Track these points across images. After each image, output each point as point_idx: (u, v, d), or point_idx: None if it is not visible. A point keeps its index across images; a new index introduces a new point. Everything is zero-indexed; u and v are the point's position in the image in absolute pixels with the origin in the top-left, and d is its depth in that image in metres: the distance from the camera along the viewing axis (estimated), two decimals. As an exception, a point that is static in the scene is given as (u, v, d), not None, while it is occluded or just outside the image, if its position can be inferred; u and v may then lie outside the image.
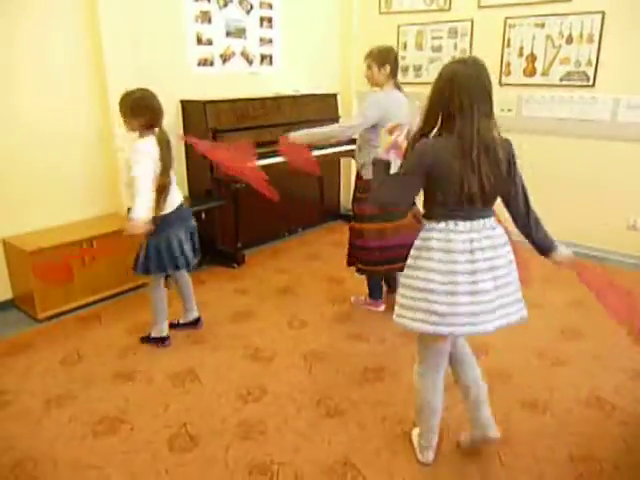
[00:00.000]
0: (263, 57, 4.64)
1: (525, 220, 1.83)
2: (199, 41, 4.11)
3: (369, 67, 3.01)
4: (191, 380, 2.60)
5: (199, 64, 4.15)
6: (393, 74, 3.02)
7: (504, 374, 2.62)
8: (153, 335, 2.92)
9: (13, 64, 3.11)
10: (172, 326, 3.03)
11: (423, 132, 1.76)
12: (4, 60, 3.07)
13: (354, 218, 3.14)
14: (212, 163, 3.98)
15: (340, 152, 4.69)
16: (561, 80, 4.17)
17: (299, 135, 3.02)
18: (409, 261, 1.84)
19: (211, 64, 4.23)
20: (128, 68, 3.56)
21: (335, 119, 4.91)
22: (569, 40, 4.07)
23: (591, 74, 4.01)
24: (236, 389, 2.52)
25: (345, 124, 3.15)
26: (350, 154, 4.82)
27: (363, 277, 3.30)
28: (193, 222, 2.85)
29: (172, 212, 2.66)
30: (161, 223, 2.60)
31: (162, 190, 2.55)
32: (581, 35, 4.01)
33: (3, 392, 2.50)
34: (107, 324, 3.16)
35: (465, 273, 1.71)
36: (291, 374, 2.65)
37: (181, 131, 4.13)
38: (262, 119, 4.26)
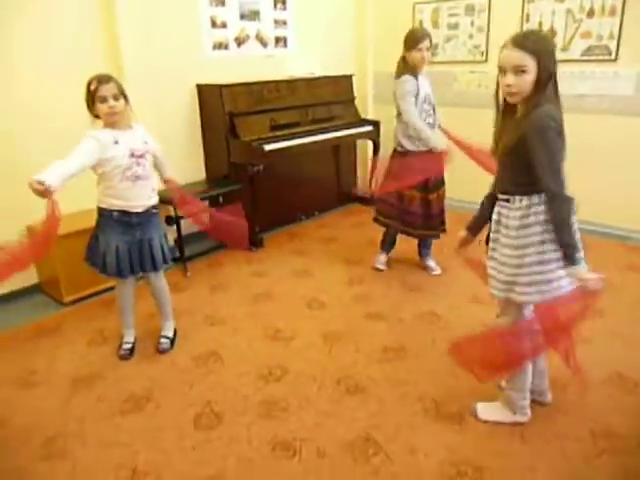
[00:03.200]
0: (277, 39, 4.61)
1: None
2: (214, 24, 4.10)
3: (428, 49, 3.13)
4: (214, 361, 2.65)
5: (214, 48, 4.15)
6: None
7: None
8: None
9: (22, 48, 3.15)
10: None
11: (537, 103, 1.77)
12: (12, 45, 3.09)
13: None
14: (229, 147, 4.01)
15: (356, 134, 4.67)
16: (582, 55, 4.08)
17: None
18: (514, 242, 1.86)
19: (226, 47, 4.23)
20: (143, 53, 3.57)
21: (351, 100, 4.89)
22: (590, 14, 3.97)
23: (613, 48, 3.91)
24: (257, 369, 2.56)
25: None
26: (366, 135, 4.81)
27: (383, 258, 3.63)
28: (145, 232, 2.51)
29: (117, 211, 2.43)
30: (100, 218, 2.48)
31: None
32: (603, 8, 3.91)
33: (33, 372, 2.58)
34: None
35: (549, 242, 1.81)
36: (311, 353, 2.69)
37: (198, 120, 4.15)
38: (277, 102, 4.26)
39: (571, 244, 1.75)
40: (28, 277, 3.38)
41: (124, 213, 2.44)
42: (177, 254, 3.76)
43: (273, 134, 4.09)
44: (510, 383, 2.11)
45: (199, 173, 4.28)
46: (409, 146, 3.22)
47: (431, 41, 3.13)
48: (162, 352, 2.73)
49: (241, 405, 2.31)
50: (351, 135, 4.63)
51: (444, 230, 3.43)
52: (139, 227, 2.49)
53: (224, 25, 4.17)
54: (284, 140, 4.05)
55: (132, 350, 2.73)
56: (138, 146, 2.40)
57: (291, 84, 4.42)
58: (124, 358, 2.68)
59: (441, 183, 3.36)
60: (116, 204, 2.42)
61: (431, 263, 3.60)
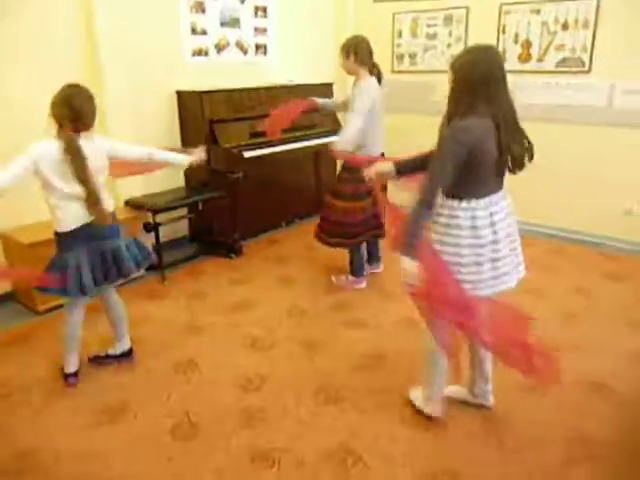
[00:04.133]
0: (258, 47, 4.62)
1: None
2: (194, 31, 4.09)
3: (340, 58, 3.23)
4: (192, 370, 2.62)
5: (194, 54, 4.13)
6: (360, 62, 3.14)
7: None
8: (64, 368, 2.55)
9: (5, 52, 3.10)
10: (97, 359, 2.68)
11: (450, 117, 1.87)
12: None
13: (337, 197, 3.32)
14: (209, 154, 3.98)
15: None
16: (556, 66, 4.17)
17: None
18: (435, 238, 1.95)
19: (206, 54, 4.21)
20: (123, 58, 3.55)
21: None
22: (565, 26, 4.06)
23: (587, 60, 4.01)
24: (236, 378, 2.54)
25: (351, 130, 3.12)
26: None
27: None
28: (106, 243, 2.40)
29: (74, 230, 2.31)
30: (59, 240, 2.35)
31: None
32: (576, 21, 4.00)
33: (3, 383, 2.52)
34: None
35: (488, 244, 1.89)
36: (290, 362, 2.67)
37: (178, 126, 4.12)
38: (257, 109, 4.25)
39: (405, 239, 1.85)
40: (2, 286, 3.30)
41: (89, 226, 2.32)
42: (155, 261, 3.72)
43: (253, 141, 4.08)
44: (424, 376, 2.21)
45: (178, 180, 4.24)
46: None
47: (339, 53, 3.22)
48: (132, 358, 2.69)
49: (219, 415, 2.28)
50: (332, 143, 4.64)
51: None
52: (106, 235, 2.40)
53: (204, 32, 4.16)
54: (264, 147, 4.04)
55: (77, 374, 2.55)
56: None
57: (271, 91, 4.42)
58: (72, 385, 2.50)
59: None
60: (83, 220, 2.30)
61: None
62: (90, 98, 2.28)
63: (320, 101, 3.53)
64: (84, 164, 2.21)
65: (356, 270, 3.53)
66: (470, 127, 1.79)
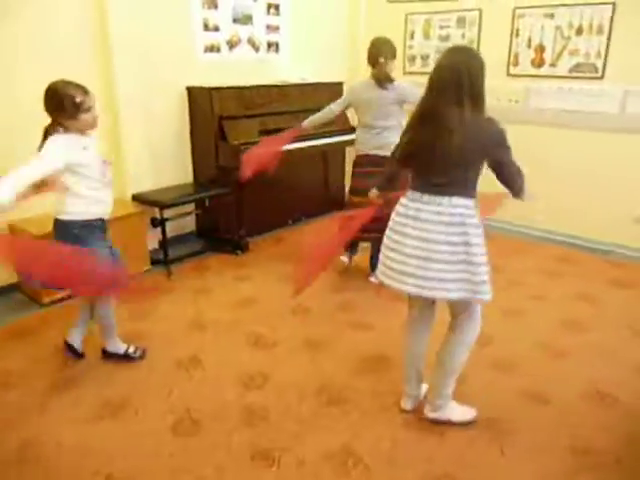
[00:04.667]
0: (270, 44, 4.61)
1: None
2: (206, 27, 4.09)
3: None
4: (194, 366, 2.62)
5: (206, 50, 4.13)
6: (371, 65, 3.29)
7: (507, 365, 2.63)
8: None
9: (17, 51, 3.10)
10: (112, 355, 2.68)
11: None
12: (5, 45, 3.05)
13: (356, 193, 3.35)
14: (218, 151, 3.98)
15: (345, 141, 4.67)
16: (570, 71, 4.13)
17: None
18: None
19: (218, 50, 4.21)
20: (135, 55, 3.55)
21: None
22: (579, 31, 4.03)
23: (600, 66, 3.97)
24: (239, 376, 2.54)
25: None
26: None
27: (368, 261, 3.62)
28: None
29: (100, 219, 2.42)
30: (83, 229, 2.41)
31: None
32: (591, 26, 3.97)
33: (8, 374, 2.53)
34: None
35: (397, 233, 2.00)
36: (293, 361, 2.67)
37: (188, 122, 4.13)
38: (268, 107, 4.25)
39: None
40: (7, 276, 3.32)
41: (103, 221, 2.42)
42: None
43: (262, 138, 4.07)
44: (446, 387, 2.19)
45: (187, 176, 4.25)
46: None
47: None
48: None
49: (221, 412, 2.28)
50: (341, 142, 4.63)
51: None
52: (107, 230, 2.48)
53: (216, 28, 4.16)
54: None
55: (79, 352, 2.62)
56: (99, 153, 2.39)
57: (282, 89, 4.42)
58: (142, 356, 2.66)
59: None
60: (100, 213, 2.39)
61: None
62: None
63: (305, 123, 3.48)
64: None
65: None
66: None
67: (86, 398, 2.36)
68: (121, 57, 3.49)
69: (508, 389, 2.43)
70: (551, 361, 2.69)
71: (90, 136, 2.33)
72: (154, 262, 3.77)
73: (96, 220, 2.37)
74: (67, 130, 2.23)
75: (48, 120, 2.24)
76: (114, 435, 2.14)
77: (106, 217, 2.43)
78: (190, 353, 2.72)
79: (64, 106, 2.19)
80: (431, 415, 2.21)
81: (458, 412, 2.20)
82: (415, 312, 2.22)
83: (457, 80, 1.82)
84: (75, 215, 2.31)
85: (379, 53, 3.22)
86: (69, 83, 2.23)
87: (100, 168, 2.33)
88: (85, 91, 2.24)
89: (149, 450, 2.06)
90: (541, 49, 4.24)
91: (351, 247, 3.69)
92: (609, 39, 3.89)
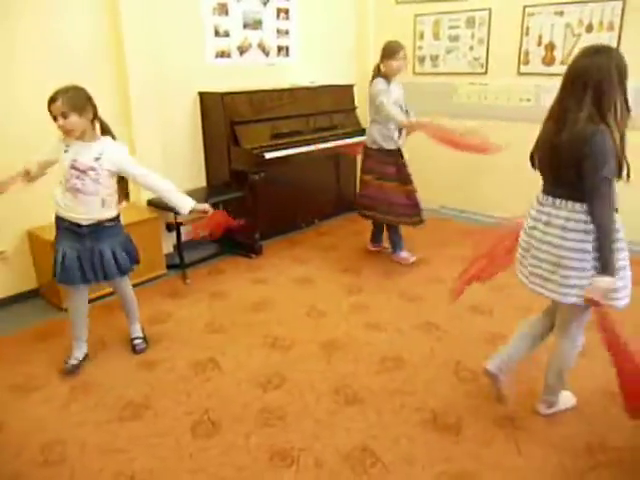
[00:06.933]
0: (280, 48, 4.65)
1: None
2: (216, 33, 4.14)
3: (403, 58, 3.58)
4: (212, 368, 2.65)
5: (216, 56, 4.18)
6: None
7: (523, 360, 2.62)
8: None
9: (30, 54, 3.17)
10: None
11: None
12: (17, 47, 3.11)
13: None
14: (230, 155, 4.03)
15: (357, 143, 4.69)
16: (581, 69, 4.11)
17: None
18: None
19: (228, 56, 4.26)
20: (147, 62, 3.60)
21: (352, 110, 4.93)
22: (589, 28, 4.01)
23: (612, 63, 3.95)
24: (256, 377, 2.57)
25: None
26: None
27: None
28: (100, 242, 2.49)
29: (66, 220, 2.46)
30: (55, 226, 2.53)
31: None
32: (601, 23, 3.95)
33: (32, 377, 2.59)
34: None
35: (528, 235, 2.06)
36: (310, 363, 2.69)
37: (200, 127, 4.18)
38: (279, 110, 4.29)
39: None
40: (27, 282, 3.38)
41: (71, 223, 2.44)
42: (177, 261, 3.78)
43: (274, 142, 4.12)
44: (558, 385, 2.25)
45: (200, 180, 4.30)
46: (385, 145, 3.64)
47: (405, 53, 3.55)
48: (140, 352, 2.78)
49: (239, 413, 2.31)
50: (352, 144, 4.65)
51: (422, 220, 3.79)
52: (89, 237, 2.47)
53: (227, 34, 4.21)
54: (285, 148, 4.07)
55: (78, 366, 2.63)
56: (83, 160, 2.35)
57: (293, 93, 4.45)
58: (68, 372, 2.58)
59: (409, 177, 3.74)
60: (64, 214, 2.45)
61: (404, 254, 3.90)
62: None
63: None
64: None
65: (395, 245, 3.92)
66: None
67: (107, 400, 2.41)
68: (134, 63, 3.54)
69: (521, 388, 2.43)
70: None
71: (86, 141, 2.37)
72: (170, 266, 3.82)
73: (63, 219, 2.48)
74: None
75: (51, 122, 2.31)
76: (135, 436, 2.19)
77: (76, 221, 2.45)
78: (208, 355, 2.76)
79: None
80: (546, 412, 2.27)
81: (564, 399, 2.29)
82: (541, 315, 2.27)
83: (583, 81, 1.81)
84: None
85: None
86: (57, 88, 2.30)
87: (66, 172, 2.38)
88: (50, 98, 2.28)
89: (169, 451, 2.10)
90: (551, 47, 4.23)
91: (375, 238, 4.12)
92: (620, 36, 3.88)
